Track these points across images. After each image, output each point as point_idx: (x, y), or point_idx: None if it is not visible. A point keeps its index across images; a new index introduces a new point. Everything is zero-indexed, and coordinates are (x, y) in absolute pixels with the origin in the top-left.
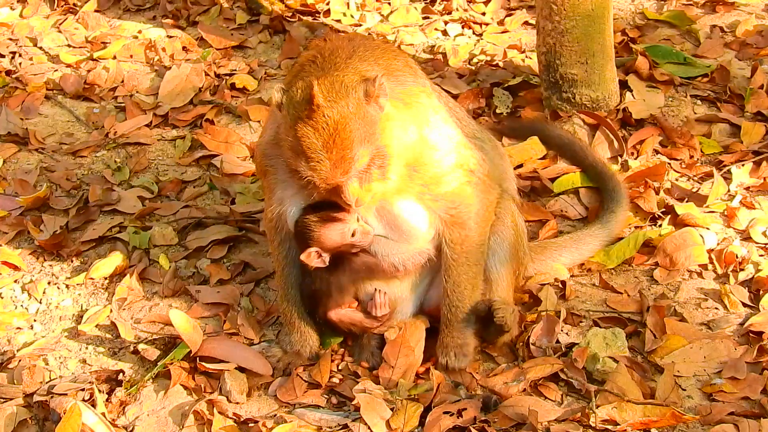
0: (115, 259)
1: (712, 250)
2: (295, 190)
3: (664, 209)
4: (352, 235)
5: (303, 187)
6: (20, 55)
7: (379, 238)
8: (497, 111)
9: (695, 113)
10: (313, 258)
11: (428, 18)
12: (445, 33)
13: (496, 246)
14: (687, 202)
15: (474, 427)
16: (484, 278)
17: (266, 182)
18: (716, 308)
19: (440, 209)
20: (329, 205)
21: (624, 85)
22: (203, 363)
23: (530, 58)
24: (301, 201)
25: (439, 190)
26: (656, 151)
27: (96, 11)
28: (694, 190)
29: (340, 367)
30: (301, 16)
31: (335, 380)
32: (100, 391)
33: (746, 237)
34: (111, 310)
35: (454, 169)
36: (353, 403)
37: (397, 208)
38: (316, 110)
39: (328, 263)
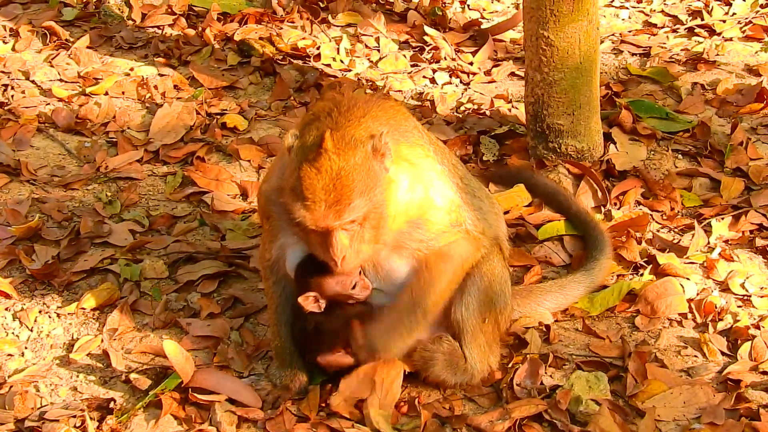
0: (106, 290)
1: (692, 299)
2: (297, 238)
3: (646, 259)
4: (353, 287)
5: (297, 235)
6: (12, 88)
7: (376, 291)
8: (484, 158)
9: (676, 167)
10: (310, 302)
11: (417, 66)
12: (433, 81)
13: (467, 288)
14: (668, 252)
15: None
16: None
17: (269, 226)
18: (695, 356)
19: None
20: None
21: (608, 138)
22: (194, 393)
23: (516, 108)
24: (303, 248)
25: (435, 244)
26: (638, 203)
27: (88, 47)
28: (675, 241)
29: (328, 402)
30: (292, 60)
31: (323, 414)
32: (91, 418)
33: (725, 288)
34: (102, 340)
35: (451, 227)
36: None
37: (394, 264)
38: (324, 153)
39: (323, 309)
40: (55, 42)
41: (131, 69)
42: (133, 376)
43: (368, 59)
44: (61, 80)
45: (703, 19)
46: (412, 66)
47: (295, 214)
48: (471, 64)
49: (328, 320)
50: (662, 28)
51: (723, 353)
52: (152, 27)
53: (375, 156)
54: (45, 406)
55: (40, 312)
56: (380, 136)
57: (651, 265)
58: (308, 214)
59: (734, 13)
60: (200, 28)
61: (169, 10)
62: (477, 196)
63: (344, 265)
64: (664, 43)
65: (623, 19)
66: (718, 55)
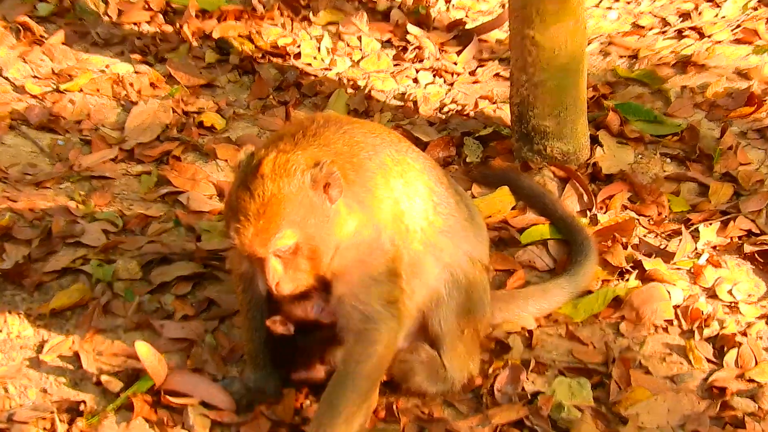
0: (77, 291)
1: (678, 306)
2: None
3: (632, 264)
4: (320, 311)
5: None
6: None
7: None
8: (467, 160)
9: (664, 171)
10: (278, 326)
11: (399, 65)
12: (416, 80)
13: (444, 301)
14: (654, 258)
15: None
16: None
17: None
18: (681, 363)
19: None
20: None
21: (594, 140)
22: (167, 396)
23: (501, 110)
24: None
25: (365, 298)
26: (625, 207)
27: (63, 44)
28: (662, 246)
29: (303, 406)
30: (271, 58)
31: (299, 418)
32: (60, 420)
33: (712, 294)
34: (73, 341)
35: (390, 276)
36: None
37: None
38: (259, 179)
39: (292, 332)
40: (29, 38)
41: (107, 66)
42: (104, 378)
43: (350, 58)
44: (34, 77)
45: (692, 22)
46: (394, 65)
47: (229, 235)
48: (455, 64)
49: (301, 338)
50: (651, 29)
51: (709, 360)
52: (129, 23)
53: (314, 186)
54: (14, 407)
55: (10, 312)
56: (321, 167)
57: (637, 271)
58: (237, 237)
59: (724, 16)
60: (178, 25)
61: (147, 6)
62: (460, 228)
63: (279, 291)
64: (653, 45)
65: (611, 20)
66: (707, 57)
